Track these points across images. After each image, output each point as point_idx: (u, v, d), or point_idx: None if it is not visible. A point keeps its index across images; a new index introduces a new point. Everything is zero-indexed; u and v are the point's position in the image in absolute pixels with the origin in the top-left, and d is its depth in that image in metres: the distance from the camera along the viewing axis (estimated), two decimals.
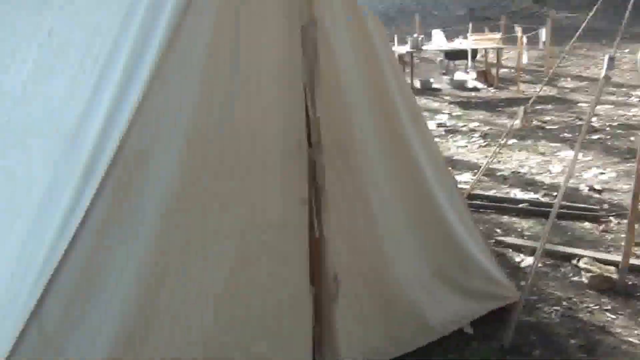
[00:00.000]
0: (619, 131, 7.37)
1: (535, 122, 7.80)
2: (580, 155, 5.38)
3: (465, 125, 8.13)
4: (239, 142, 2.19)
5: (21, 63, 2.53)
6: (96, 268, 1.88)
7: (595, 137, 7.06)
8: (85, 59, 2.20)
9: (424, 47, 10.96)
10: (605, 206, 4.97)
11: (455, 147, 7.05)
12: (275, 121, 2.27)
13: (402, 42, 11.16)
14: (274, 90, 2.27)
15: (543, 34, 10.80)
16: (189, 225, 2.07)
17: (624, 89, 9.77)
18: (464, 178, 5.77)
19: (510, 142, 6.58)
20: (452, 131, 7.83)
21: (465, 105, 9.57)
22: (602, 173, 5.83)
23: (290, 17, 2.26)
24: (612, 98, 9.11)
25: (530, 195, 5.32)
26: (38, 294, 1.76)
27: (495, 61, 11.30)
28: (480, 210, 4.93)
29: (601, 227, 4.54)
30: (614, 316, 3.27)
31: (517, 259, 4.05)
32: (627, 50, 11.54)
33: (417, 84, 10.89)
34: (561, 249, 4.11)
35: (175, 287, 2.06)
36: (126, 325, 1.95)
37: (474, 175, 5.60)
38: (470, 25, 12.45)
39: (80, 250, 1.81)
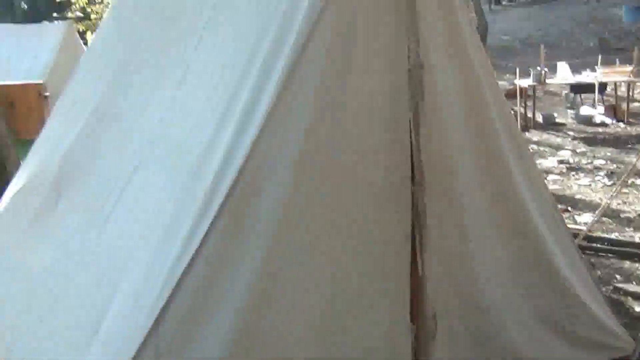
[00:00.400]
0: None
1: None
2: None
3: (589, 163, 7.78)
4: (344, 178, 2.31)
5: (159, 100, 2.81)
6: (209, 292, 2.06)
7: None
8: (212, 97, 2.43)
9: (547, 81, 10.63)
10: None
11: (577, 186, 6.77)
12: (380, 159, 2.36)
13: (526, 74, 10.90)
14: (380, 130, 2.37)
15: None
16: (293, 254, 2.20)
17: None
18: (585, 219, 5.52)
19: (639, 181, 6.22)
20: (574, 168, 7.51)
21: (591, 141, 9.14)
22: None
23: (398, 61, 2.36)
24: None
25: None
26: (155, 314, 1.95)
27: (625, 95, 10.72)
28: (600, 253, 4.70)
29: None
30: None
31: (638, 309, 3.82)
32: None
33: (540, 118, 10.55)
34: None
35: (278, 313, 2.19)
36: (233, 346, 2.10)
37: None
38: (600, 57, 11.91)
39: (194, 276, 2.00)
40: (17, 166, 4.72)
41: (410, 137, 2.40)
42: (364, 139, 2.33)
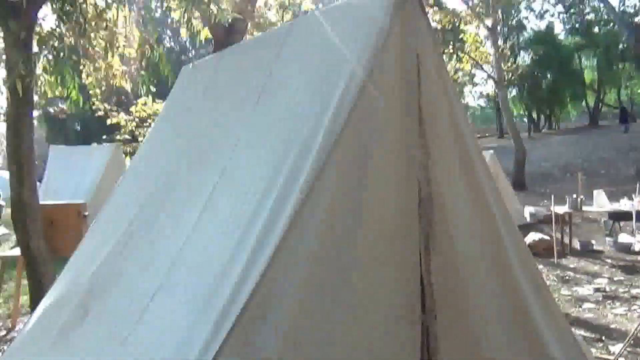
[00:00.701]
0: None
1: None
2: None
3: (626, 292, 7.61)
4: (354, 295, 2.40)
5: (185, 223, 3.04)
6: None
7: None
8: (232, 222, 2.63)
9: (584, 208, 10.65)
10: None
11: (612, 315, 6.61)
12: (389, 284, 2.47)
13: (563, 201, 10.95)
14: (390, 253, 2.50)
15: None
16: None
17: None
18: (618, 349, 5.37)
19: None
20: (610, 297, 7.36)
21: (629, 270, 8.97)
22: None
23: (408, 191, 2.55)
24: None
25: None
26: None
27: None
28: None
29: None
30: None
31: None
32: None
33: (577, 245, 10.46)
34: None
35: None
36: None
37: (631, 347, 5.22)
38: (639, 185, 11.92)
39: None
40: (53, 282, 4.97)
41: (421, 263, 2.53)
42: (375, 260, 2.45)
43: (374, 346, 2.42)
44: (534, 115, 38.16)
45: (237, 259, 2.31)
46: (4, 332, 6.38)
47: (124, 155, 15.60)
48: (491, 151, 12.65)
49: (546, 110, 37.99)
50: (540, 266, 7.16)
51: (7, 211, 8.74)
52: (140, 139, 15.92)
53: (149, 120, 15.27)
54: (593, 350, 5.02)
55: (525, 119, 38.83)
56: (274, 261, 2.21)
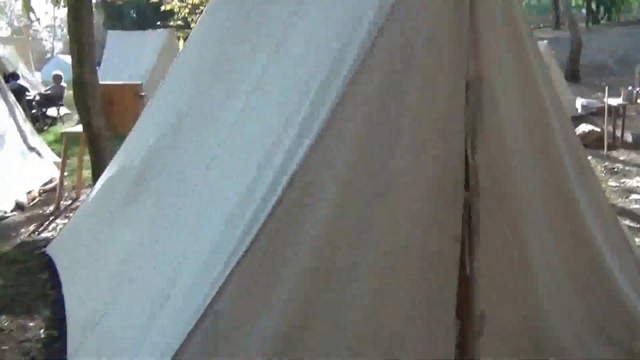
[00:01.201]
0: None
1: None
2: None
3: None
4: (397, 179, 2.44)
5: (236, 103, 3.10)
6: (265, 274, 2.28)
7: None
8: (281, 103, 2.68)
9: (639, 100, 10.24)
10: None
11: None
12: (434, 164, 2.49)
13: (617, 94, 10.51)
14: (434, 136, 2.50)
15: None
16: (344, 245, 2.38)
17: None
18: None
19: None
20: None
21: None
22: None
23: (456, 74, 2.50)
24: None
25: None
26: (219, 285, 2.21)
27: None
28: None
29: None
30: None
31: None
32: None
33: (629, 137, 10.14)
34: None
35: (328, 298, 2.39)
36: (286, 325, 2.32)
37: None
38: None
39: (254, 256, 2.24)
40: (112, 158, 5.21)
41: (466, 145, 2.54)
42: (419, 143, 2.47)
43: (412, 225, 2.49)
44: (593, 5, 35.76)
45: (287, 135, 2.38)
46: (69, 202, 6.81)
47: (177, 40, 15.69)
48: (545, 42, 12.09)
49: (606, 0, 35.45)
50: (590, 157, 6.99)
51: (69, 93, 9.03)
52: (192, 25, 15.93)
53: (201, 7, 15.18)
54: (637, 240, 5.00)
55: (584, 10, 36.47)
56: (322, 137, 2.27)
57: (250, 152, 2.67)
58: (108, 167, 4.69)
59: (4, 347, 3.57)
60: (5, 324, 3.86)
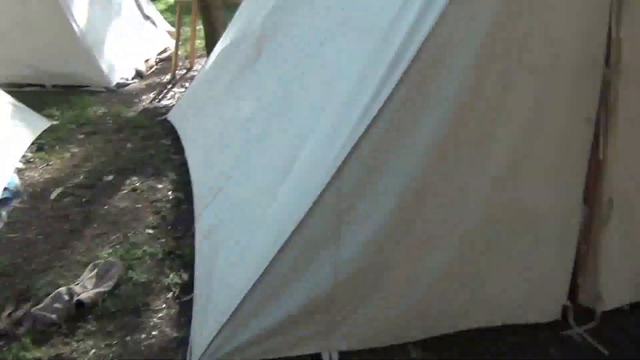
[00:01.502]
0: None
1: None
2: None
3: None
4: (530, 57, 2.28)
5: None
6: (386, 147, 2.25)
7: None
8: None
9: None
10: None
11: None
12: (573, 38, 2.29)
13: None
14: (577, 8, 2.30)
15: None
16: (469, 126, 2.30)
17: None
18: None
19: None
20: None
21: None
22: None
23: None
24: None
25: None
26: (342, 158, 2.23)
27: None
28: None
29: None
30: None
31: None
32: None
33: None
34: None
35: (445, 178, 2.37)
36: (404, 200, 2.33)
37: None
38: None
39: (378, 126, 2.21)
40: (224, 27, 5.23)
41: (610, 17, 2.32)
42: (558, 14, 2.28)
43: (543, 105, 2.36)
44: None
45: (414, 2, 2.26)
46: (184, 71, 7.01)
47: None
48: None
49: None
50: None
51: None
52: None
53: None
54: None
55: None
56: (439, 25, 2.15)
57: (374, 22, 2.55)
58: (222, 38, 4.73)
59: (137, 205, 3.88)
60: (137, 184, 4.17)
